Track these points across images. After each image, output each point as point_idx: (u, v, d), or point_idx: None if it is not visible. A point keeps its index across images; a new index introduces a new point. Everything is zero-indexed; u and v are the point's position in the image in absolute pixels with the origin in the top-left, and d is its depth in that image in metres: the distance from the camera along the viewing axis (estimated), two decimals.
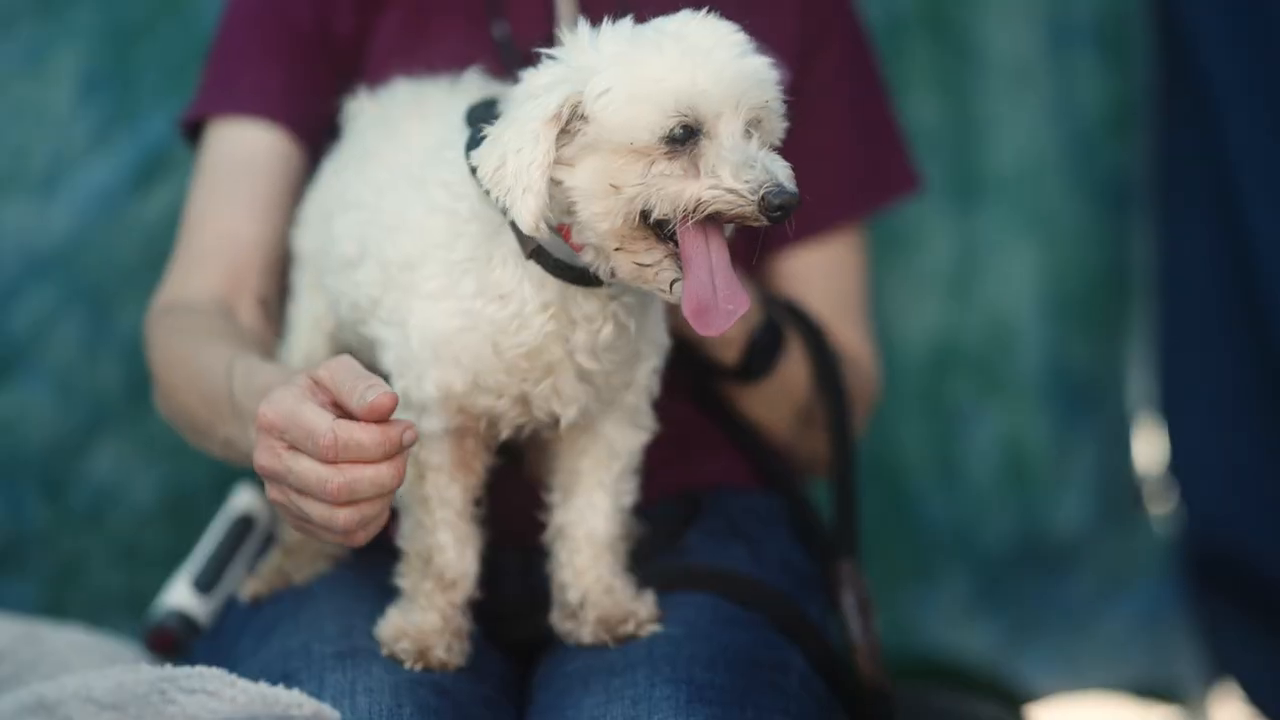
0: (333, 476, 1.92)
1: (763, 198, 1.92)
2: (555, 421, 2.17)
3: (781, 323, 2.53)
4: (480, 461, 2.21)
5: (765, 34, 2.66)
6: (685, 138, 1.94)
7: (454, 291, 2.10)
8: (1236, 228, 3.38)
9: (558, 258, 2.06)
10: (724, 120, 1.95)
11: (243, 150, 2.60)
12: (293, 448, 1.95)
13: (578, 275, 2.07)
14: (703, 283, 1.94)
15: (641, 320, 2.16)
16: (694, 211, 1.93)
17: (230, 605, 2.54)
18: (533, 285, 2.08)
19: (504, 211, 2.01)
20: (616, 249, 1.97)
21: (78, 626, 2.75)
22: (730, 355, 2.49)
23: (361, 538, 2.01)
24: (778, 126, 2.04)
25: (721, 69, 1.95)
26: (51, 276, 3.20)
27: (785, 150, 2.67)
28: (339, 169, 2.40)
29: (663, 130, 1.93)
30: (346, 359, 1.99)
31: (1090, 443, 3.75)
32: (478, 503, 2.22)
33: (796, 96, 2.65)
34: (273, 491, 2.03)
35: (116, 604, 3.29)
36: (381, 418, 1.92)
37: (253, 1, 2.66)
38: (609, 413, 2.22)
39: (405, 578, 2.21)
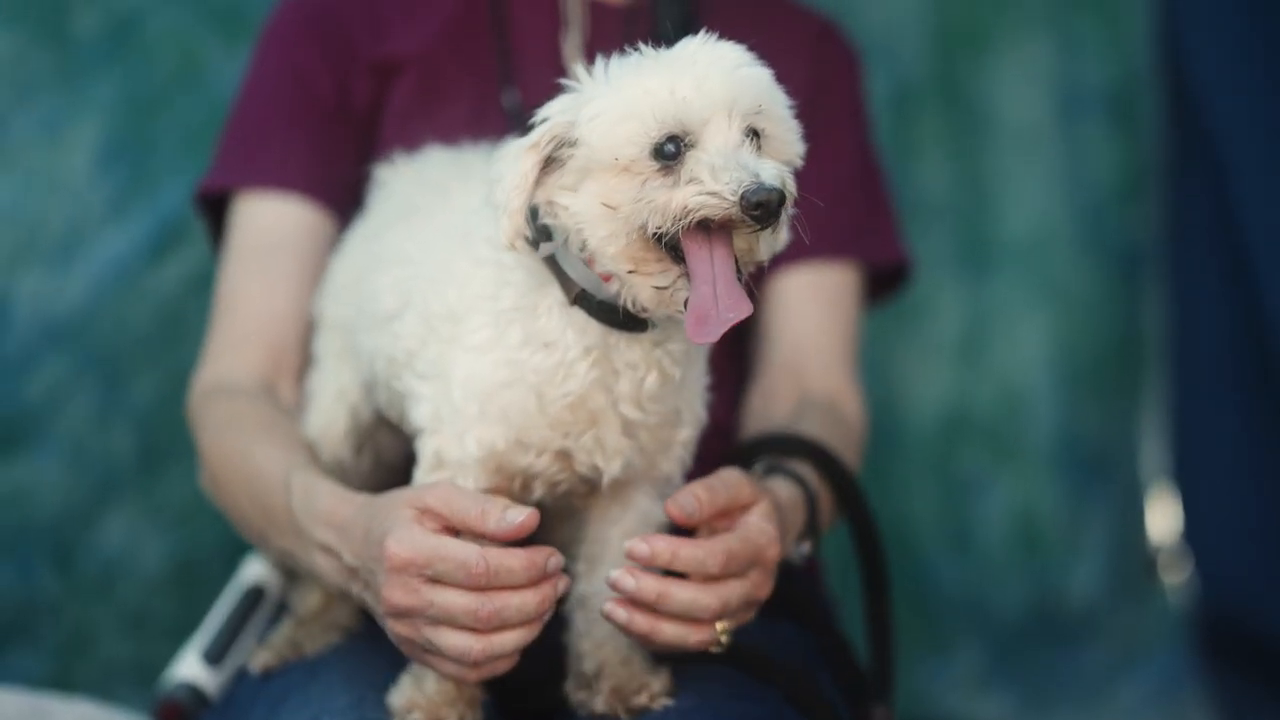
0: (483, 604, 1.98)
1: (742, 196, 1.90)
2: (595, 480, 2.15)
3: (820, 527, 2.41)
4: None
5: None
6: (675, 153, 1.94)
7: (500, 342, 2.09)
8: (1248, 294, 3.39)
9: (600, 299, 2.05)
10: (711, 128, 1.94)
11: (275, 225, 2.61)
12: (432, 581, 1.99)
13: (620, 318, 2.06)
14: (704, 294, 1.94)
15: (687, 372, 2.15)
16: (683, 219, 1.92)
17: (241, 677, 2.52)
18: (575, 331, 2.07)
19: (534, 244, 2.04)
20: (630, 272, 1.97)
21: (86, 700, 2.73)
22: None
23: (487, 671, 2.05)
24: (789, 140, 2.03)
25: (705, 78, 1.95)
26: (66, 346, 3.21)
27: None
28: (377, 231, 2.41)
29: (647, 143, 1.94)
30: (446, 483, 2.05)
31: (1103, 511, 3.74)
32: None
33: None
34: (399, 627, 2.05)
35: (125, 674, 3.27)
36: (525, 535, 1.98)
37: (273, 73, 2.69)
38: (644, 479, 2.21)
39: None
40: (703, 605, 2.07)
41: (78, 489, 3.24)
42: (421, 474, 2.16)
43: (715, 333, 1.93)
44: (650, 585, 2.04)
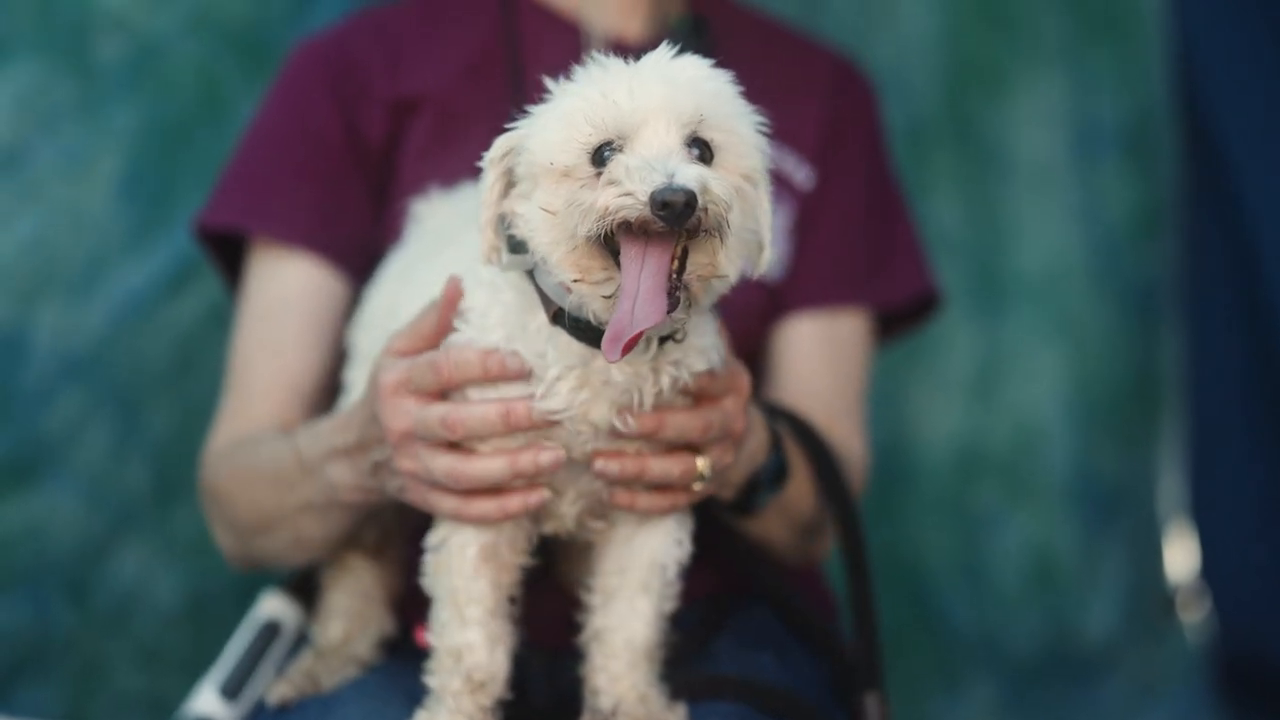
0: (449, 411, 2.05)
1: (651, 195, 1.86)
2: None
3: (787, 461, 2.42)
4: (511, 553, 2.17)
5: (791, 122, 2.72)
6: (610, 158, 1.92)
7: None
8: (1265, 330, 3.39)
9: (574, 316, 2.03)
10: (644, 133, 1.92)
11: (281, 288, 2.64)
12: (420, 401, 2.08)
13: (598, 336, 2.03)
14: (624, 308, 1.90)
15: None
16: (604, 220, 1.89)
17: (258, 710, 2.52)
18: (556, 351, 2.05)
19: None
20: (576, 280, 1.95)
21: None
22: (725, 494, 2.38)
23: (485, 510, 2.09)
24: (745, 153, 1.98)
25: (642, 83, 1.93)
26: (83, 379, 3.20)
27: (805, 233, 2.72)
28: (410, 264, 2.42)
29: (584, 148, 1.93)
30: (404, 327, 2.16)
31: (1119, 548, 3.73)
32: (512, 600, 2.19)
33: (819, 186, 2.61)
34: (404, 461, 2.12)
35: (138, 708, 3.26)
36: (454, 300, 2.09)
37: (284, 123, 2.71)
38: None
39: (434, 676, 2.17)
40: (691, 426, 2.09)
41: (93, 522, 3.23)
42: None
43: (619, 352, 1.89)
44: (648, 419, 2.07)
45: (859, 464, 2.73)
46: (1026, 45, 3.71)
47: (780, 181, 2.72)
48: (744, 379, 2.18)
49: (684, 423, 2.09)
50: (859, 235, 2.80)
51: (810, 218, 2.75)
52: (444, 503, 2.12)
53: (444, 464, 2.08)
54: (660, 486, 2.15)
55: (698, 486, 2.16)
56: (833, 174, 2.77)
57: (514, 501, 2.09)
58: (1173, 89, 3.64)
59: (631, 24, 2.73)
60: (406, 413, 2.08)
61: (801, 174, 2.74)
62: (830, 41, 2.98)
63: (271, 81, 2.78)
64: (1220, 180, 3.45)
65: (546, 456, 2.06)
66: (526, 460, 2.06)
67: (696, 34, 2.70)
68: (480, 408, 2.05)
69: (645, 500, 2.15)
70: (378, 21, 2.78)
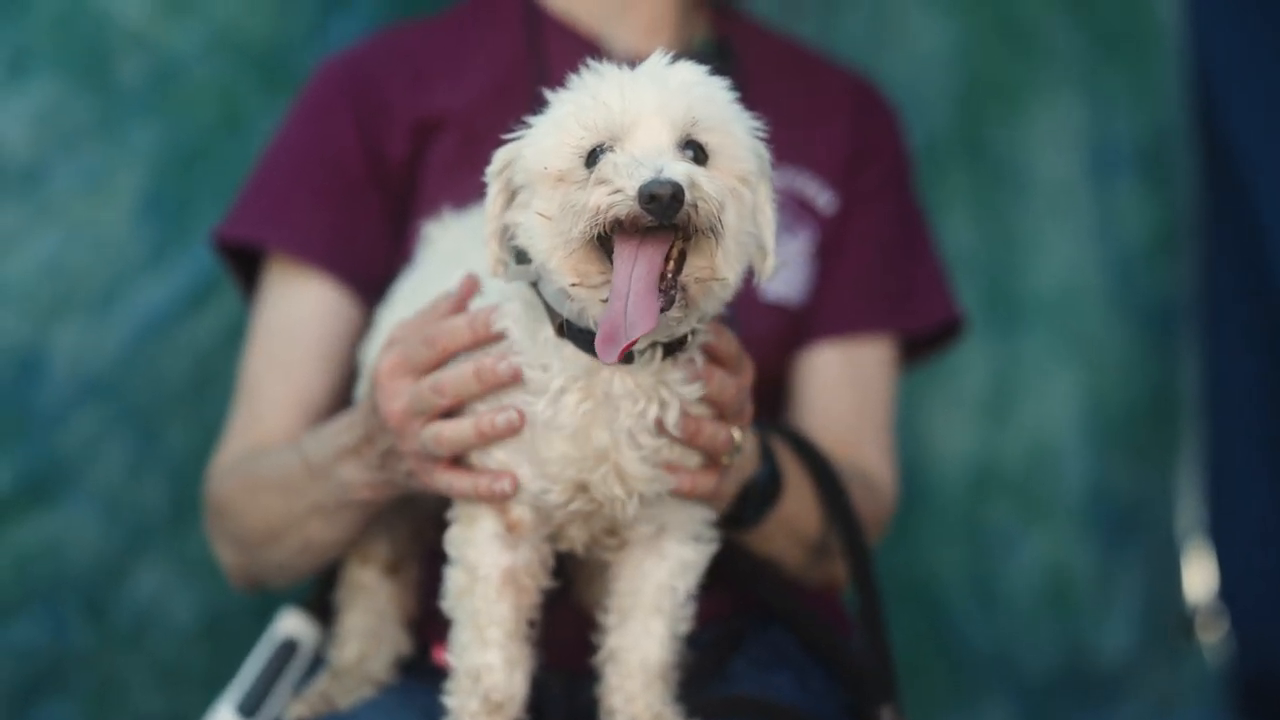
0: (438, 376, 2.09)
1: (638, 189, 1.86)
2: (620, 516, 2.13)
3: (782, 471, 2.40)
4: (531, 577, 2.18)
5: (814, 146, 2.71)
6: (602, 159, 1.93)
7: None
8: None
9: (580, 327, 2.03)
10: (636, 133, 1.92)
11: (300, 307, 2.66)
12: (417, 378, 2.12)
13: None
14: (615, 309, 1.89)
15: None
16: (596, 219, 1.89)
17: None
18: (561, 361, 2.05)
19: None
20: (574, 285, 1.95)
21: None
22: (719, 506, 2.32)
23: (461, 484, 2.11)
24: (740, 156, 1.97)
25: (632, 85, 1.94)
26: (102, 398, 3.21)
27: (828, 259, 2.72)
28: (422, 282, 2.42)
29: (577, 151, 1.93)
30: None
31: (1136, 568, 3.71)
32: (531, 624, 2.18)
33: (841, 211, 2.61)
34: (404, 443, 2.14)
35: None
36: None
37: (304, 144, 2.73)
38: (679, 518, 2.19)
39: (453, 696, 2.17)
40: (730, 383, 2.10)
41: (111, 540, 3.23)
42: (456, 509, 2.17)
43: (614, 353, 1.89)
44: (701, 370, 2.09)
45: (886, 491, 2.72)
46: (1041, 63, 3.71)
47: (802, 205, 2.72)
48: (752, 367, 2.18)
49: (726, 379, 2.10)
50: (883, 261, 2.80)
51: (833, 243, 2.74)
52: (441, 478, 2.13)
53: (430, 432, 2.11)
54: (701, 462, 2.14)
55: (727, 460, 2.15)
56: (856, 199, 2.77)
57: (483, 480, 2.10)
58: (1189, 107, 3.64)
59: (655, 44, 2.71)
60: (403, 393, 2.12)
61: (824, 198, 2.74)
62: (853, 65, 2.98)
63: (293, 100, 2.79)
64: (1236, 199, 3.45)
65: (502, 418, 2.07)
66: (486, 421, 2.07)
67: (720, 56, 2.71)
68: (459, 366, 2.08)
69: (689, 480, 2.12)
70: (400, 40, 2.79)
